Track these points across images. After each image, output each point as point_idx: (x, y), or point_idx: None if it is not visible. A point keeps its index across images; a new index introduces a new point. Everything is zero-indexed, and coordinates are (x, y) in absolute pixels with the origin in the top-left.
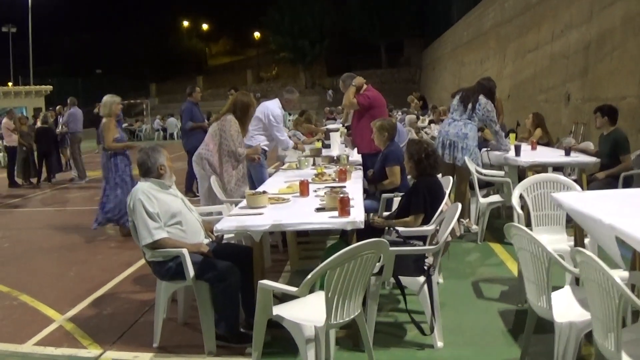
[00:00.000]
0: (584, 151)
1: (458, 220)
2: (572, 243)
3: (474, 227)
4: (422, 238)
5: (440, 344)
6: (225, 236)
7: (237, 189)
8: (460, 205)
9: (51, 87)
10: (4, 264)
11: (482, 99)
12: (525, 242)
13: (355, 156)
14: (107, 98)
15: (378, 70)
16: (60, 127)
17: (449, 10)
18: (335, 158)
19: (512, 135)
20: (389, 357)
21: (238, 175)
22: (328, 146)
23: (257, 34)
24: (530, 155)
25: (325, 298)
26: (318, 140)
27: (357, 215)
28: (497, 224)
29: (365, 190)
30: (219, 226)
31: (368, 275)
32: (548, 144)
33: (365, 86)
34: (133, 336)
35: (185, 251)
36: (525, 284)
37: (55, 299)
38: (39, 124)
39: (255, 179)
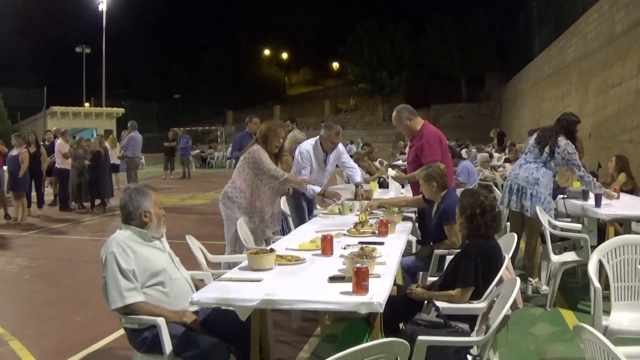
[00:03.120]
0: None
1: (526, 279)
2: None
3: (544, 288)
4: (469, 318)
5: None
6: None
7: (272, 223)
8: (519, 281)
9: (123, 109)
10: (12, 300)
11: (561, 140)
12: (599, 353)
13: None
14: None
15: (458, 104)
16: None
17: (531, 43)
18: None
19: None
20: None
21: (274, 210)
22: (387, 186)
23: (336, 65)
24: (611, 206)
25: None
26: (376, 179)
27: (379, 292)
28: (571, 285)
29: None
30: (195, 297)
31: None
32: (633, 191)
33: (419, 125)
34: None
35: (161, 321)
36: None
37: (45, 351)
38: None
39: (294, 224)
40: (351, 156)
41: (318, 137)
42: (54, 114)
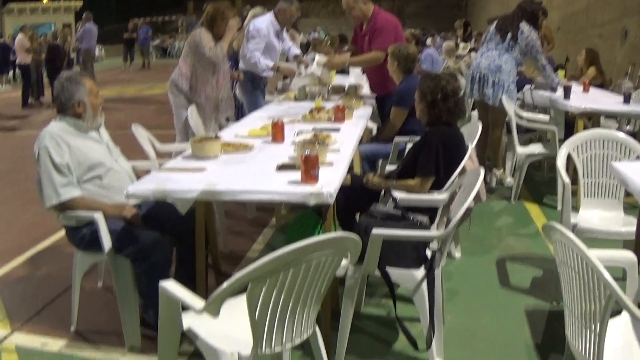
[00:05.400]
0: None
1: (490, 170)
2: (633, 228)
3: (509, 179)
4: (429, 210)
5: None
6: None
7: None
8: (483, 171)
9: (81, 2)
10: None
11: (524, 26)
12: (571, 256)
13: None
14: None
15: None
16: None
17: None
18: (346, 89)
19: (560, 73)
20: None
21: (222, 95)
22: (348, 72)
23: None
24: (582, 99)
25: (250, 321)
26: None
27: (330, 182)
28: (537, 178)
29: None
30: (131, 189)
31: (325, 283)
32: (602, 85)
33: (370, 11)
34: (53, 312)
35: (99, 216)
36: (565, 311)
37: None
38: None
39: (248, 110)
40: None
41: (272, 12)
42: (11, 11)
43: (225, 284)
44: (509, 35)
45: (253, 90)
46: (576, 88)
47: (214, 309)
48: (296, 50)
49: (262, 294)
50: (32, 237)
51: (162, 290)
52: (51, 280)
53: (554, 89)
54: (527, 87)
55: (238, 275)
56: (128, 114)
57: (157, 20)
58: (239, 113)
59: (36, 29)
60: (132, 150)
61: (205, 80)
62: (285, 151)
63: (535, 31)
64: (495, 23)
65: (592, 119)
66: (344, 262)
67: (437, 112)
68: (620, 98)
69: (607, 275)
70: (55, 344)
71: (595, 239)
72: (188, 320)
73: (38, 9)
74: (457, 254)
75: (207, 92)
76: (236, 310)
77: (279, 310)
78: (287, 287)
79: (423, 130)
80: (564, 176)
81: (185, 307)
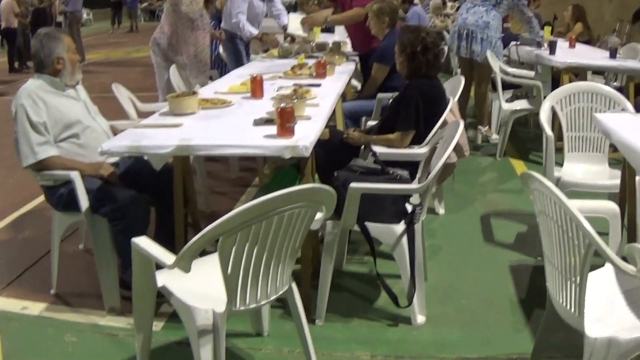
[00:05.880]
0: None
1: (476, 127)
2: (617, 181)
3: (495, 136)
4: (410, 165)
5: (420, 319)
6: None
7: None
8: (462, 123)
9: None
10: None
11: None
12: (550, 205)
13: None
14: None
15: None
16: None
17: None
18: (329, 45)
19: (547, 29)
20: (346, 336)
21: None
22: (333, 30)
23: None
24: (567, 54)
25: (222, 276)
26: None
27: (306, 135)
28: (523, 135)
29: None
30: (105, 146)
31: (299, 237)
32: (589, 42)
33: None
34: (35, 276)
35: (75, 174)
36: (545, 264)
37: None
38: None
39: (231, 69)
40: None
41: None
42: None
43: (194, 238)
44: None
45: (236, 48)
46: (562, 44)
47: (184, 265)
48: (285, 20)
49: (234, 248)
50: (16, 201)
51: (134, 246)
52: (33, 244)
53: (539, 44)
54: (513, 43)
55: (207, 229)
56: (114, 77)
57: None
58: (223, 72)
59: None
60: (116, 113)
61: (186, 38)
62: (265, 107)
63: None
64: None
65: (580, 75)
66: (319, 215)
67: (417, 64)
68: (607, 53)
69: (586, 224)
70: (35, 308)
71: (580, 193)
72: (162, 278)
73: None
74: (441, 211)
75: (188, 50)
76: (211, 267)
77: (252, 265)
78: (260, 241)
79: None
80: (547, 129)
81: (159, 265)
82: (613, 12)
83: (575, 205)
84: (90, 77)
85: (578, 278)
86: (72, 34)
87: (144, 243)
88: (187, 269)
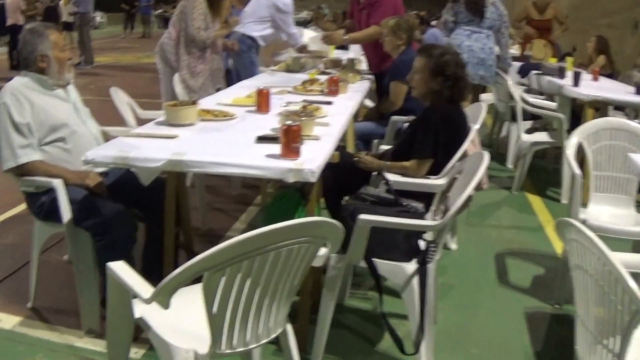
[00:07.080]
0: None
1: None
2: None
3: (510, 167)
4: (425, 196)
5: None
6: None
7: (208, 88)
8: (487, 155)
9: None
10: None
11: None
12: (590, 261)
13: None
14: None
15: None
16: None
17: None
18: (343, 62)
19: (569, 60)
20: None
21: (212, 68)
22: (347, 48)
23: None
24: (591, 87)
25: (207, 315)
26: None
27: (313, 157)
28: (540, 167)
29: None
30: (90, 154)
31: (298, 275)
32: (611, 75)
33: None
34: (13, 286)
35: (58, 182)
36: (577, 324)
37: None
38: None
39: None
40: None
41: None
42: None
43: (175, 272)
44: (487, 13)
45: (253, 59)
46: (585, 76)
47: (162, 300)
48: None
49: (221, 286)
50: (2, 204)
51: (109, 272)
52: (15, 251)
53: (507, 64)
54: (533, 72)
55: (191, 262)
56: (121, 81)
57: None
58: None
59: None
60: (118, 118)
61: (192, 47)
62: (270, 122)
63: None
64: (462, 3)
65: (600, 110)
66: (323, 250)
67: (446, 88)
68: (630, 88)
69: (635, 287)
70: (8, 321)
71: (604, 238)
72: (141, 308)
73: None
74: (454, 246)
75: (196, 61)
76: (198, 298)
77: (241, 304)
78: (253, 278)
79: (422, 108)
80: (574, 167)
81: None
82: (635, 46)
83: (619, 258)
84: (97, 80)
85: (617, 345)
86: (81, 36)
87: (119, 269)
88: (165, 305)
